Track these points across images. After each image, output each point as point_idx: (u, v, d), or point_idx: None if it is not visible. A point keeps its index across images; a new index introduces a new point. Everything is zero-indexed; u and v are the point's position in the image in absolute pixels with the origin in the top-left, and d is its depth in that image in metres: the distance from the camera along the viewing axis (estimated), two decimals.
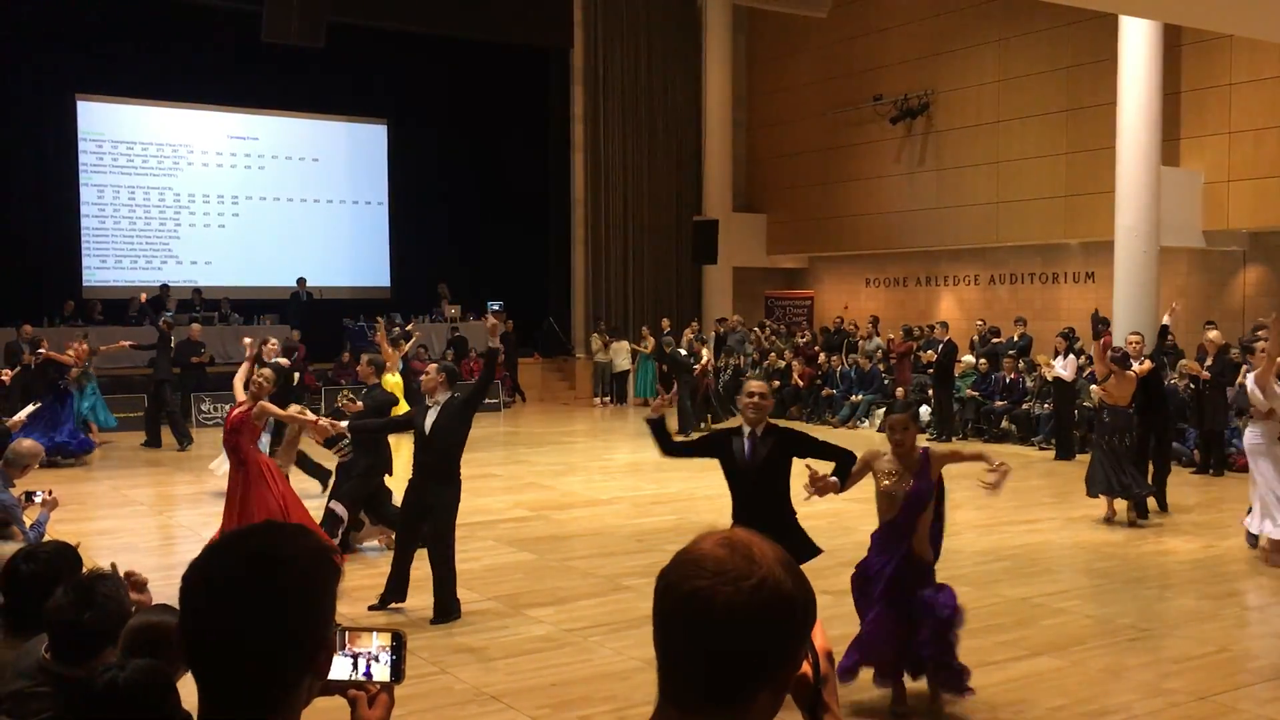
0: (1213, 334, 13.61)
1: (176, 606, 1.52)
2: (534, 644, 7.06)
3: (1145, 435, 11.41)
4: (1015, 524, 10.44)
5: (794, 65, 24.64)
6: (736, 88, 25.43)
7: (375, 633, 1.70)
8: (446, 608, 7.48)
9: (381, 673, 1.69)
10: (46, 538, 5.91)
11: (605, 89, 24.19)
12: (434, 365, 7.92)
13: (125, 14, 20.60)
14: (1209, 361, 13.55)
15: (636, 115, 24.48)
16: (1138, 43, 16.90)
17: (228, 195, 23.41)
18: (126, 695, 2.61)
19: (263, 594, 1.43)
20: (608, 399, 22.34)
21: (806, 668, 1.43)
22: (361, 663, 1.67)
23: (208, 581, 1.47)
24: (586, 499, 12.29)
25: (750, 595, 1.31)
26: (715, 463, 6.31)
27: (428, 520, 7.54)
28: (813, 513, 11.52)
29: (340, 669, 1.66)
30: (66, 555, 3.46)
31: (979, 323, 19.33)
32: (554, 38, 23.99)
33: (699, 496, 12.29)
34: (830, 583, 8.58)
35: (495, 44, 23.24)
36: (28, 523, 6.51)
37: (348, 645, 1.67)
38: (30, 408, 11.05)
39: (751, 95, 25.86)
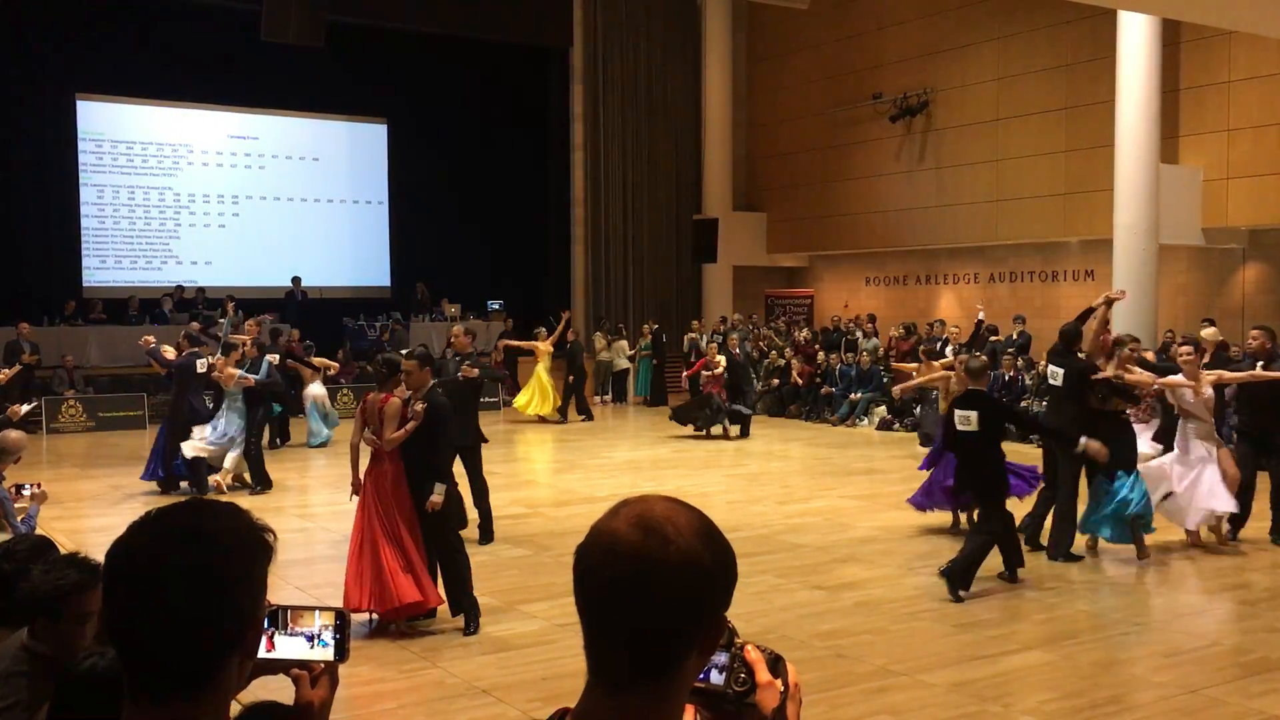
0: (1208, 332, 13.59)
1: None
2: (527, 638, 7.07)
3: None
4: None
5: (793, 64, 24.65)
6: (736, 87, 25.45)
7: (318, 611, 1.69)
8: (458, 605, 7.28)
9: (325, 652, 1.68)
10: (40, 532, 5.95)
11: (605, 88, 24.21)
12: (413, 362, 7.52)
13: (125, 14, 20.65)
14: (1206, 359, 13.52)
15: (636, 114, 24.50)
16: (1136, 40, 16.90)
17: (228, 195, 23.44)
18: (107, 681, 2.62)
19: (186, 570, 1.41)
20: (607, 397, 22.37)
21: (778, 686, 1.44)
22: (309, 641, 1.66)
23: (131, 557, 1.44)
24: (584, 496, 12.30)
25: (669, 576, 1.33)
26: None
27: (423, 521, 7.32)
28: (810, 510, 11.60)
29: (286, 648, 1.65)
30: (42, 549, 3.49)
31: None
32: (554, 37, 24.02)
33: (694, 494, 12.30)
34: (824, 578, 8.63)
35: (495, 43, 23.28)
36: (19, 516, 6.55)
37: (290, 625, 1.67)
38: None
39: (751, 94, 25.87)
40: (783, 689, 1.44)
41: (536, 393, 18.84)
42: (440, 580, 7.35)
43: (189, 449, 12.14)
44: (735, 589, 1.42)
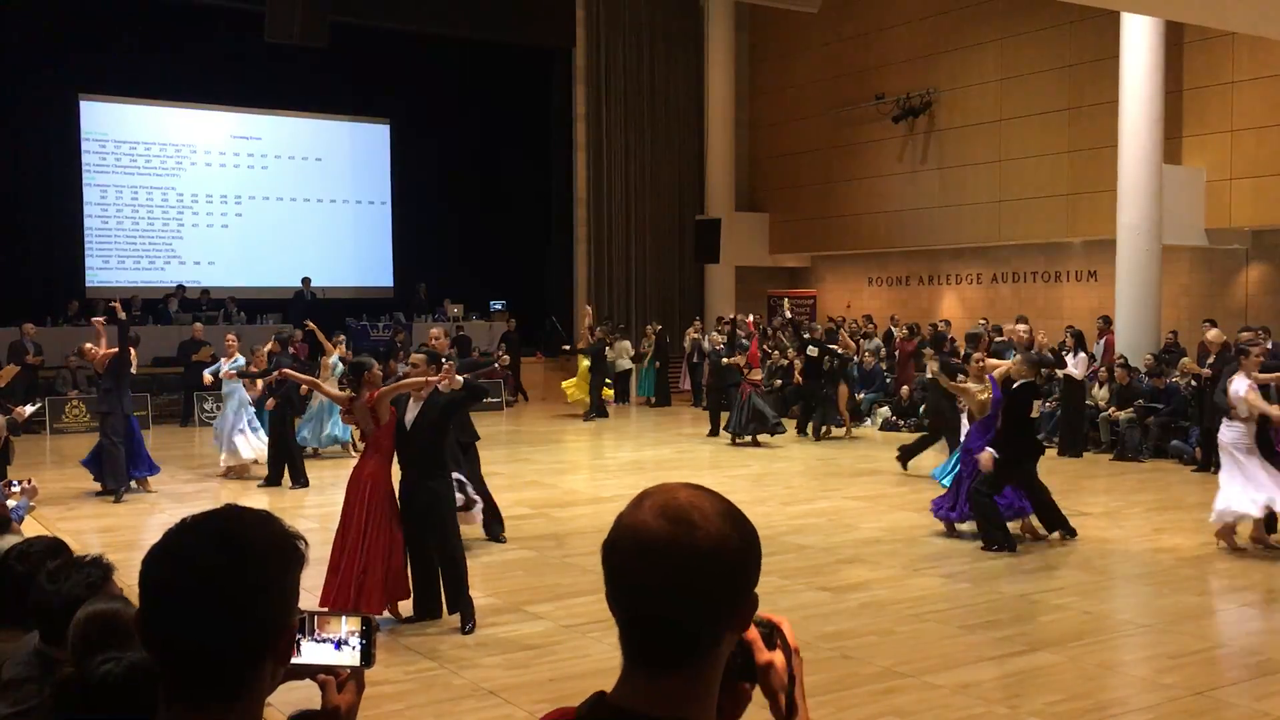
0: (1212, 333, 13.60)
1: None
2: (533, 639, 7.08)
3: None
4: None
5: (796, 64, 24.65)
6: (739, 87, 25.44)
7: (345, 617, 1.70)
8: (455, 604, 7.30)
9: (351, 657, 1.69)
10: (39, 531, 5.96)
11: (608, 88, 24.20)
12: (421, 355, 7.58)
13: (128, 14, 20.62)
14: (1210, 360, 13.54)
15: (639, 114, 24.50)
16: (1139, 41, 16.91)
17: (230, 195, 23.44)
18: (123, 688, 2.61)
19: (222, 578, 1.42)
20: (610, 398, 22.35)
21: (780, 661, 1.45)
22: (335, 647, 1.67)
23: (165, 565, 1.46)
24: (588, 497, 12.31)
25: (701, 561, 1.34)
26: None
27: (426, 520, 7.37)
28: (814, 510, 11.59)
29: (312, 654, 1.66)
30: (55, 552, 3.50)
31: (981, 321, 19.34)
32: (556, 37, 24.00)
33: None
34: (829, 579, 8.63)
35: (498, 43, 23.27)
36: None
37: (317, 631, 1.67)
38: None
39: (754, 94, 25.86)
40: (787, 664, 1.45)
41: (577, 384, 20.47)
42: (441, 581, 7.40)
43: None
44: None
